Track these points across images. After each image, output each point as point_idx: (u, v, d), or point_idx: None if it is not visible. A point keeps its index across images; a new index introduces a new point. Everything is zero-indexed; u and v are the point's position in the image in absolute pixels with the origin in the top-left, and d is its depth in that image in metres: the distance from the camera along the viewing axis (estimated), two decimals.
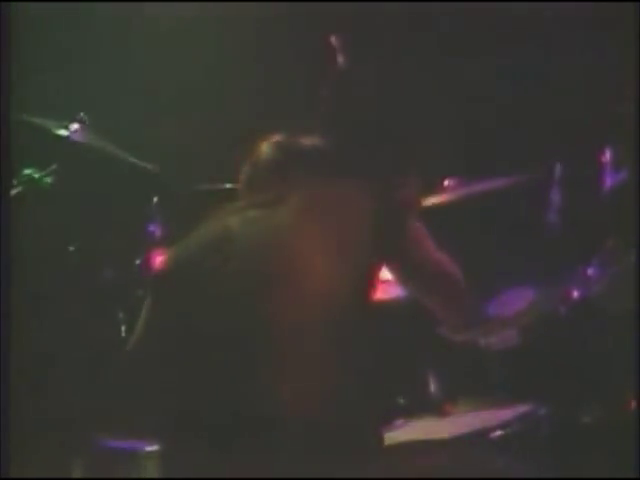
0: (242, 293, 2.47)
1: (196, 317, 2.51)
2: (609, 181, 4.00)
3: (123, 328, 4.04)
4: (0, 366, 3.40)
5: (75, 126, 3.94)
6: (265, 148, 2.76)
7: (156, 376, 2.57)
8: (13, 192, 3.74)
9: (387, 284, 2.97)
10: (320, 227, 2.52)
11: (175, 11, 4.68)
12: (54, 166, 3.79)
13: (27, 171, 3.83)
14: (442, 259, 2.67)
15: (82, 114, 3.95)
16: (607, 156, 3.99)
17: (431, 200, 3.99)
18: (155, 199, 4.05)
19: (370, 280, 2.54)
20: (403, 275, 2.69)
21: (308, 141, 2.77)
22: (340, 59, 3.86)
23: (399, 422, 3.25)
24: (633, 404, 3.45)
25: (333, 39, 3.94)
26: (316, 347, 2.41)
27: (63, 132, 3.93)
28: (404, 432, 3.14)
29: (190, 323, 2.51)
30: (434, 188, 4.07)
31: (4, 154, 3.56)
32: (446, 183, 4.09)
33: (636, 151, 3.91)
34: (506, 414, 3.12)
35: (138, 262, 4.06)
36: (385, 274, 2.71)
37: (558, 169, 4.15)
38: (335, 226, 2.53)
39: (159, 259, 3.87)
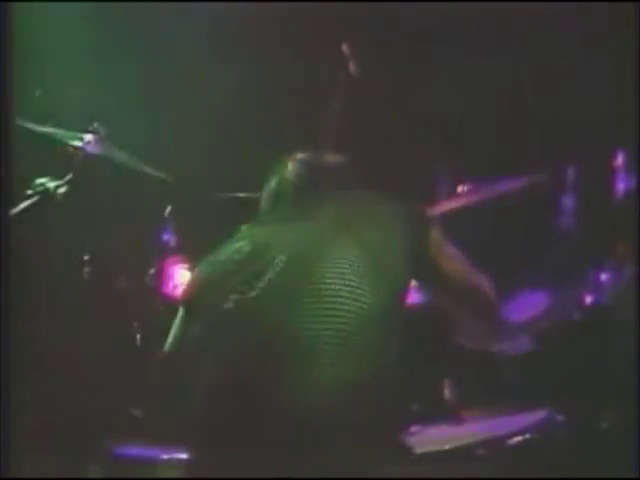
0: (277, 303, 2.49)
1: (231, 328, 2.52)
2: (622, 185, 4.00)
3: (138, 336, 4.05)
4: (1, 371, 3.41)
5: (89, 137, 3.95)
6: (292, 165, 2.76)
7: (192, 383, 2.57)
8: (28, 202, 3.75)
9: None
10: (354, 241, 2.53)
11: (193, 21, 4.69)
12: (69, 176, 3.80)
13: (41, 181, 3.84)
14: (473, 273, 2.67)
15: (96, 125, 3.97)
16: (620, 160, 3.99)
17: (444, 205, 4.00)
18: (169, 208, 4.06)
19: (403, 292, 2.55)
20: (436, 290, 2.69)
21: (334, 157, 2.78)
22: (352, 67, 3.86)
23: (414, 429, 3.25)
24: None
25: (345, 47, 3.95)
26: (349, 357, 2.44)
27: (77, 143, 3.95)
28: (420, 440, 3.14)
29: (226, 334, 2.52)
30: (447, 193, 4.07)
31: (4, 160, 3.57)
32: (459, 189, 4.09)
33: (637, 152, 3.92)
34: (522, 420, 3.13)
35: (152, 271, 4.07)
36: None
37: (570, 173, 4.15)
38: (368, 240, 2.54)
39: (189, 276, 3.89)
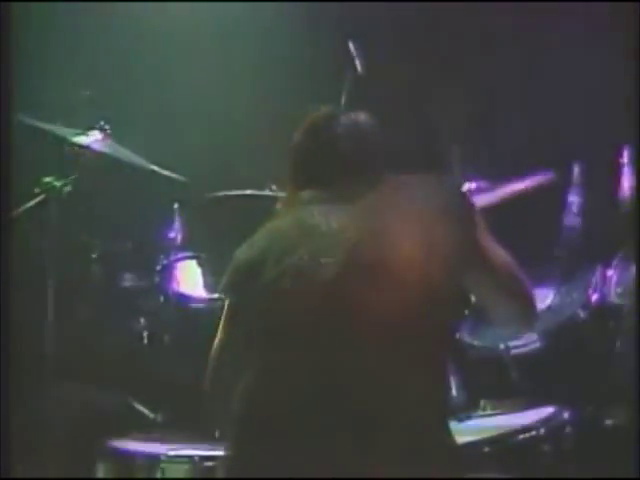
0: (325, 287, 2.34)
1: (277, 314, 2.38)
2: (628, 182, 4.00)
3: (145, 334, 4.06)
4: (1, 370, 3.42)
5: (96, 134, 3.97)
6: (330, 138, 2.51)
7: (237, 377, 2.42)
8: (36, 200, 3.77)
9: None
10: (405, 224, 2.39)
11: (198, 21, 4.70)
12: (75, 174, 3.82)
13: (48, 179, 3.86)
14: (509, 257, 2.58)
15: (103, 122, 3.99)
16: (626, 157, 3.99)
17: None
18: (176, 205, 4.07)
19: (460, 274, 2.43)
20: (479, 272, 2.52)
21: (377, 137, 2.56)
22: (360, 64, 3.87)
23: None
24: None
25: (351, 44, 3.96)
26: (399, 343, 2.32)
27: (84, 140, 3.97)
28: None
29: (272, 320, 2.38)
30: None
31: (5, 160, 3.58)
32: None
33: (637, 152, 3.92)
34: (529, 418, 3.13)
35: (159, 268, 4.08)
36: None
37: (577, 171, 4.14)
38: (419, 223, 2.40)
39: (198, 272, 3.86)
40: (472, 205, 2.54)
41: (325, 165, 2.50)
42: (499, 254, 2.56)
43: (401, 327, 2.34)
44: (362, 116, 2.56)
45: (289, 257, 2.37)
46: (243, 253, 2.49)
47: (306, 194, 2.50)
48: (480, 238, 2.51)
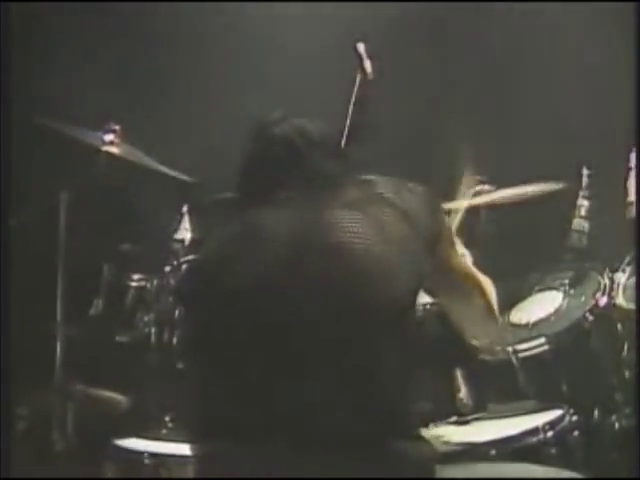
0: (278, 293, 2.29)
1: (234, 318, 2.32)
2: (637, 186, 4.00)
3: (154, 334, 4.07)
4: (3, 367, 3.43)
5: (107, 136, 3.99)
6: (280, 140, 2.43)
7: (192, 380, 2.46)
8: (46, 201, 3.78)
9: None
10: (374, 224, 2.32)
11: (204, 21, 4.72)
12: (86, 175, 3.84)
13: (58, 180, 3.88)
14: (475, 270, 2.57)
15: (113, 124, 4.01)
16: (634, 161, 3.99)
17: (456, 205, 3.98)
18: (185, 207, 4.07)
19: (424, 281, 2.37)
20: (439, 281, 2.49)
21: (319, 126, 2.48)
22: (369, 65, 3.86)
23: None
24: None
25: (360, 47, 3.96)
26: (359, 345, 2.27)
27: (95, 142, 3.99)
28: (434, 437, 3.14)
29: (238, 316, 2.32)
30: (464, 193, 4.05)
31: (5, 158, 3.60)
32: (477, 189, 4.08)
33: (636, 153, 3.92)
34: (536, 421, 3.13)
35: (168, 269, 4.08)
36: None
37: (585, 174, 4.15)
38: (384, 227, 2.32)
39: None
40: (439, 216, 2.48)
41: (274, 168, 2.43)
42: (464, 263, 2.54)
43: (352, 332, 2.29)
44: (315, 121, 2.51)
45: (241, 263, 2.32)
46: (198, 260, 2.50)
47: (256, 197, 2.43)
48: (448, 245, 2.48)
